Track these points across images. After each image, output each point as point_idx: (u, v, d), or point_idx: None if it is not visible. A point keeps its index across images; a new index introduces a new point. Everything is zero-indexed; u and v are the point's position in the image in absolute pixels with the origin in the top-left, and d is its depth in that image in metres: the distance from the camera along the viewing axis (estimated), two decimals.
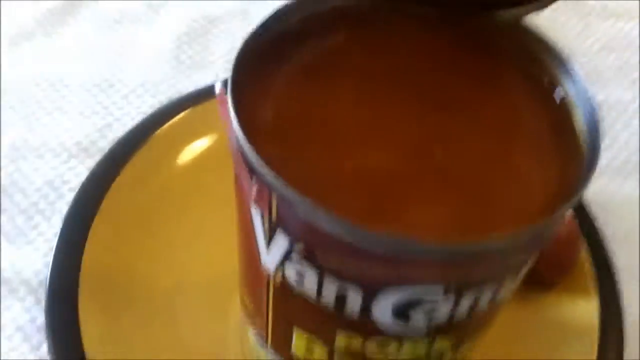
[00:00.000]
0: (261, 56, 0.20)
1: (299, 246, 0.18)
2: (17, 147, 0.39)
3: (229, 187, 0.34)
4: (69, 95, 0.42)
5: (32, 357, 0.31)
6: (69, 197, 0.36)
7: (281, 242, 0.18)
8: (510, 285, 0.19)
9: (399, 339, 0.20)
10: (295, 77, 0.20)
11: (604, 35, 0.49)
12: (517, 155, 0.19)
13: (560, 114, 0.20)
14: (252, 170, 0.17)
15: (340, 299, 0.18)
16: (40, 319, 0.32)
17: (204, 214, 0.34)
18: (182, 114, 0.37)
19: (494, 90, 0.21)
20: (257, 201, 0.18)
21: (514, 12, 0.21)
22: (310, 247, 0.17)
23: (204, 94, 0.38)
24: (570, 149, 0.19)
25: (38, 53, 0.44)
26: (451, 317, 0.19)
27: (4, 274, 0.33)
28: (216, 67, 0.44)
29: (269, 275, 0.20)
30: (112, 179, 0.34)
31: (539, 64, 0.21)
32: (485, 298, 0.19)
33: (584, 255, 0.34)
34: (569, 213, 0.17)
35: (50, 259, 0.33)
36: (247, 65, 0.20)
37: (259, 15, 0.49)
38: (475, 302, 0.18)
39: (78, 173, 0.38)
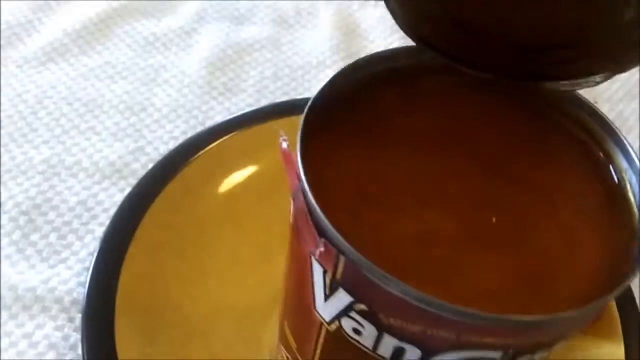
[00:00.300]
0: (324, 117, 0.21)
1: (360, 306, 0.19)
2: (51, 165, 0.39)
3: (264, 217, 0.36)
4: (102, 116, 0.43)
5: None
6: (102, 218, 0.37)
7: (342, 299, 0.19)
8: (558, 348, 0.20)
9: None
10: (356, 138, 0.21)
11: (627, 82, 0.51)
12: (571, 225, 0.20)
13: (615, 188, 0.21)
14: (321, 233, 0.18)
15: (397, 356, 0.19)
16: (73, 337, 0.33)
17: (238, 242, 0.35)
18: (218, 141, 0.38)
19: (546, 157, 0.22)
20: (322, 259, 0.19)
21: (563, 85, 0.22)
22: (374, 309, 0.18)
23: (240, 122, 0.40)
24: (623, 224, 0.20)
25: (72, 71, 0.45)
26: None
27: (37, 291, 0.34)
28: (247, 95, 0.45)
29: (322, 322, 0.21)
30: (149, 203, 0.35)
31: (592, 135, 0.22)
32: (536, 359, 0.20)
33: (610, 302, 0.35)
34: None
35: (85, 278, 0.33)
36: (312, 126, 0.21)
37: (289, 46, 0.51)
38: None
39: (111, 194, 0.38)
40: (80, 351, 0.32)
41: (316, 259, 0.19)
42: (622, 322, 0.35)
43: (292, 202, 0.21)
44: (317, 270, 0.20)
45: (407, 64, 0.24)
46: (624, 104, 0.50)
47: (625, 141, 0.22)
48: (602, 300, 0.18)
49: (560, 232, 0.20)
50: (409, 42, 0.24)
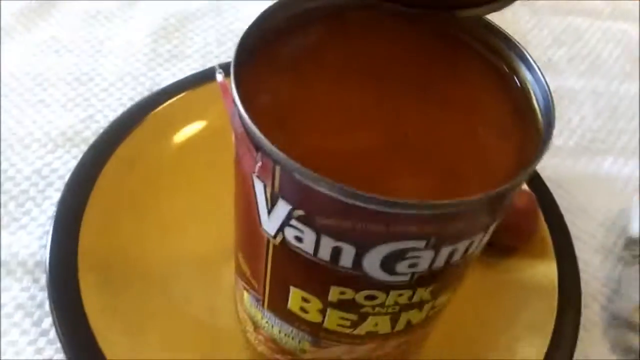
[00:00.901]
0: (256, 49, 0.23)
1: (298, 212, 0.21)
2: (4, 138, 0.40)
3: (216, 169, 0.37)
4: (50, 89, 0.43)
5: (34, 331, 0.33)
6: (58, 184, 0.38)
7: (282, 209, 0.21)
8: (479, 243, 0.22)
9: (386, 289, 0.23)
10: (285, 69, 0.23)
11: (555, 28, 0.54)
12: (482, 132, 0.22)
13: (519, 97, 0.23)
14: (257, 147, 0.20)
15: (335, 256, 0.21)
16: (40, 296, 0.34)
17: (192, 195, 0.37)
18: (167, 103, 0.39)
19: (460, 77, 0.24)
20: (261, 174, 0.21)
21: (474, 11, 0.24)
22: (310, 212, 0.20)
23: (187, 83, 0.41)
24: (528, 128, 0.22)
25: (18, 48, 0.45)
26: (430, 268, 0.22)
27: (1, 257, 0.35)
28: (193, 60, 0.46)
29: (268, 239, 0.23)
30: (103, 164, 0.36)
31: (499, 54, 0.24)
32: (459, 252, 0.22)
33: (543, 225, 0.38)
34: (525, 183, 0.21)
35: (46, 242, 0.35)
36: (245, 56, 0.22)
37: (231, 12, 0.52)
38: (451, 255, 0.22)
39: (65, 162, 0.40)
40: (46, 309, 0.33)
41: (256, 176, 0.21)
42: (553, 242, 0.37)
43: (232, 132, 0.23)
44: (259, 188, 0.21)
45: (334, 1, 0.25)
46: (553, 50, 0.52)
47: (527, 55, 0.24)
48: (503, 189, 0.20)
49: (473, 139, 0.22)
50: None
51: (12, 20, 0.47)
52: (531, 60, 0.24)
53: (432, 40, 0.25)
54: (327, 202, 0.19)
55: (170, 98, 0.40)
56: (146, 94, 0.43)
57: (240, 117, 0.20)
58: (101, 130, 0.41)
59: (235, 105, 0.21)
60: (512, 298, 0.36)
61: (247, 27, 0.23)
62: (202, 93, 0.41)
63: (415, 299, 0.24)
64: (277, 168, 0.20)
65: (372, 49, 0.25)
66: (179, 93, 0.40)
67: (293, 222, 0.21)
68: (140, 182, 0.37)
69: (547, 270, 0.37)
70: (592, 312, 0.37)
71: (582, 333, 0.35)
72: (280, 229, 0.22)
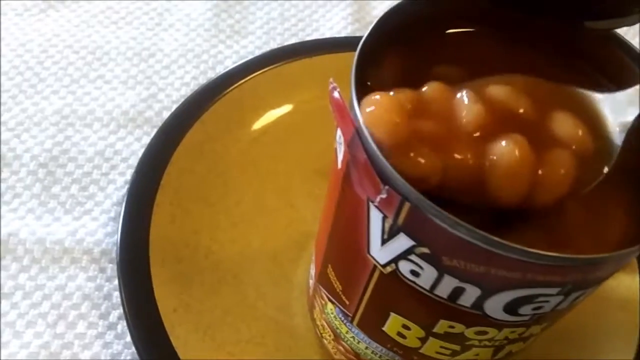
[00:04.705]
0: (371, 64, 0.21)
1: (422, 249, 0.19)
2: (64, 115, 0.39)
3: (284, 161, 0.36)
4: (110, 63, 0.42)
5: (102, 325, 0.32)
6: (122, 167, 0.37)
7: (402, 243, 0.20)
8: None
9: (500, 327, 0.21)
10: (406, 83, 0.21)
11: None
12: None
13: None
14: (384, 181, 0.19)
15: (455, 295, 0.20)
16: (107, 287, 0.33)
17: (261, 187, 0.36)
18: (235, 85, 0.38)
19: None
20: (383, 205, 0.19)
21: (602, 24, 0.22)
22: (436, 252, 0.19)
23: (254, 65, 0.39)
24: None
25: (74, 18, 0.44)
26: (552, 311, 0.21)
27: (65, 243, 0.34)
28: (256, 37, 0.44)
29: (375, 265, 0.22)
30: (172, 151, 0.35)
31: (624, 72, 0.23)
32: (586, 294, 0.20)
33: None
34: None
35: (111, 229, 0.34)
36: (362, 73, 0.21)
37: None
38: (577, 297, 0.20)
39: (128, 143, 0.38)
40: (114, 301, 0.33)
41: (375, 205, 0.20)
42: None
43: (340, 148, 0.21)
44: (375, 216, 0.20)
45: (443, 9, 0.23)
46: None
47: None
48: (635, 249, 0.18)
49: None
50: None
51: None
52: None
53: (548, 60, 0.24)
54: (460, 245, 0.18)
55: (238, 81, 0.38)
56: (209, 72, 0.42)
57: (366, 146, 0.19)
58: (164, 111, 0.40)
59: (359, 132, 0.19)
60: (595, 308, 0.34)
61: (366, 33, 0.21)
62: (271, 77, 0.39)
63: (526, 334, 0.22)
64: (406, 205, 0.18)
65: (498, 62, 0.23)
66: (247, 76, 0.39)
67: (412, 257, 0.20)
68: (209, 170, 0.36)
69: (630, 282, 0.35)
70: None
71: None
72: (394, 261, 0.20)
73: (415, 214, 0.18)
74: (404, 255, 0.20)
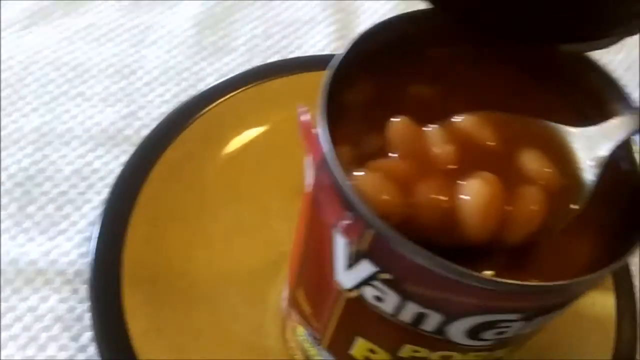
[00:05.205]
0: (341, 90, 0.21)
1: (385, 276, 0.19)
2: (43, 133, 0.39)
3: (263, 180, 0.36)
4: (91, 80, 0.42)
5: (73, 346, 0.31)
6: (99, 186, 0.37)
7: (365, 269, 0.19)
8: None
9: (464, 351, 0.21)
10: (376, 110, 0.21)
11: None
12: None
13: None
14: (348, 208, 0.18)
15: (418, 320, 0.20)
16: (79, 309, 0.33)
17: (239, 207, 0.35)
18: (215, 104, 0.38)
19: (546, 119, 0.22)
20: (347, 232, 0.19)
21: (578, 47, 0.22)
22: (399, 278, 0.18)
23: (235, 84, 0.39)
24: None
25: (57, 35, 0.43)
26: (516, 335, 0.20)
27: (38, 264, 0.34)
28: (238, 54, 0.44)
29: (340, 290, 0.21)
30: (149, 170, 0.35)
31: (597, 96, 0.22)
32: (550, 318, 0.20)
33: None
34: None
35: (86, 249, 0.33)
36: (332, 99, 0.20)
37: (279, 1, 0.48)
38: (541, 322, 0.20)
39: (106, 162, 0.38)
40: (86, 323, 0.32)
41: (339, 231, 0.19)
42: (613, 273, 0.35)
43: (309, 172, 0.21)
44: (340, 242, 0.20)
45: (420, 30, 0.23)
46: (611, 55, 0.49)
47: (631, 101, 0.22)
48: (614, 265, 0.18)
49: None
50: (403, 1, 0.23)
51: (50, 3, 0.45)
52: (636, 107, 0.22)
53: (522, 81, 0.23)
54: (422, 272, 0.17)
55: (218, 99, 0.38)
56: (190, 90, 0.41)
57: (332, 173, 0.18)
58: (143, 129, 0.39)
59: (326, 158, 0.19)
60: (569, 326, 0.34)
61: (339, 55, 0.21)
62: (251, 95, 0.39)
63: (491, 357, 0.22)
64: (370, 232, 0.18)
65: (461, 90, 0.23)
66: (228, 93, 0.38)
67: (376, 283, 0.19)
68: (186, 189, 0.35)
69: (605, 301, 0.35)
70: None
71: None
72: (359, 286, 0.20)
73: (378, 240, 0.18)
74: (368, 280, 0.20)
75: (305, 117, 0.20)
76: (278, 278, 0.33)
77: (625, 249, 0.19)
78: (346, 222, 0.18)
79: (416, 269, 0.17)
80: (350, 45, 0.21)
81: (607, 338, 0.34)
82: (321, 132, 0.19)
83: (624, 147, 0.22)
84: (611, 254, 0.19)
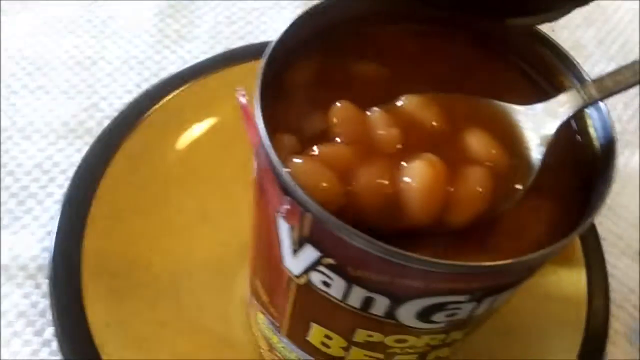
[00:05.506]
0: (281, 72, 0.21)
1: (328, 260, 0.19)
2: (3, 128, 0.38)
3: (227, 168, 0.35)
4: (51, 73, 0.41)
5: (36, 342, 0.31)
6: (61, 179, 0.36)
7: (309, 254, 0.19)
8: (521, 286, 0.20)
9: (418, 334, 0.21)
10: (316, 92, 0.21)
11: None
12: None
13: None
14: (285, 191, 0.18)
15: (366, 304, 0.19)
16: (42, 304, 0.32)
17: (203, 196, 0.35)
18: (175, 92, 0.37)
19: (499, 94, 0.22)
20: (288, 217, 0.19)
21: (525, 21, 0.22)
22: (341, 262, 0.18)
23: (195, 72, 0.38)
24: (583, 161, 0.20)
25: (16, 29, 0.43)
26: (469, 317, 0.20)
27: (1, 260, 0.33)
28: (202, 42, 0.43)
29: (290, 277, 0.21)
30: (108, 162, 0.34)
31: (550, 70, 0.22)
32: (501, 299, 0.20)
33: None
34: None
35: (49, 244, 0.33)
36: (269, 82, 0.20)
37: None
38: (492, 303, 0.20)
39: (68, 155, 0.37)
40: (50, 317, 0.32)
41: (282, 217, 0.19)
42: (583, 247, 0.35)
43: (254, 158, 0.21)
44: (283, 227, 0.19)
45: (366, 9, 0.23)
46: (581, 30, 0.49)
47: (584, 74, 0.21)
48: (562, 242, 0.18)
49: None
50: None
51: None
52: (589, 80, 0.21)
53: (477, 50, 0.23)
54: (362, 256, 0.17)
55: (178, 87, 0.38)
56: (153, 79, 0.41)
57: (269, 158, 0.18)
58: (106, 120, 0.39)
59: (263, 142, 0.18)
60: (541, 302, 0.34)
61: (271, 44, 0.21)
62: (213, 82, 0.38)
63: (448, 340, 0.22)
64: (307, 215, 0.18)
65: (411, 62, 0.22)
66: (188, 81, 0.38)
67: (321, 268, 0.19)
68: (147, 179, 0.35)
69: (575, 276, 0.35)
70: (618, 322, 0.36)
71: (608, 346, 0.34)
72: (306, 272, 0.20)
73: (317, 225, 0.18)
74: (313, 266, 0.19)
75: (243, 99, 0.20)
76: (243, 267, 0.33)
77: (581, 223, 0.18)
78: (286, 206, 0.18)
79: (357, 252, 0.17)
80: (289, 25, 0.21)
81: (578, 316, 0.34)
82: (257, 115, 0.18)
83: (580, 121, 0.22)
84: (569, 230, 0.19)
